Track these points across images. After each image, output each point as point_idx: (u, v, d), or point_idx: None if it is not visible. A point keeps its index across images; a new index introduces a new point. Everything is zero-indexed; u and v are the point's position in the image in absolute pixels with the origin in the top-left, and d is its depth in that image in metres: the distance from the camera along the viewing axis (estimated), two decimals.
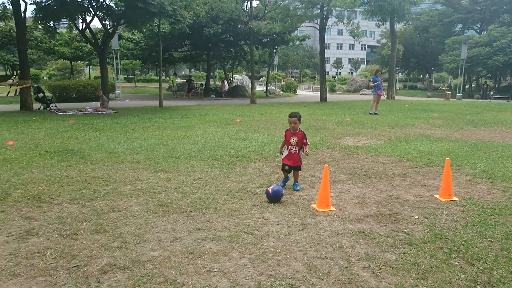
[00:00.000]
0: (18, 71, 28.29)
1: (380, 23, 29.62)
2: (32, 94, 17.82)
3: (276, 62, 41.62)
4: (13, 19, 17.87)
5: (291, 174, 5.61)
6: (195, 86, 34.67)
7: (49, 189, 5.35)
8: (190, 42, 32.22)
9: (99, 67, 47.82)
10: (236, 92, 33.65)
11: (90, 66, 51.63)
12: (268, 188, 4.95)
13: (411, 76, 68.45)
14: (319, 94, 27.30)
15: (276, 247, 3.63)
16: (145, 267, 3.23)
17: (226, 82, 35.41)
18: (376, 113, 16.08)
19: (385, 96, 23.71)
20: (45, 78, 46.37)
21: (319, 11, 24.80)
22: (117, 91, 27.21)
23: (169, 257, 3.41)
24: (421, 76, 66.16)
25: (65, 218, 4.29)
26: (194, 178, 6.01)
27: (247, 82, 39.62)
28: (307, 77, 69.30)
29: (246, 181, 5.88)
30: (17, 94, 23.59)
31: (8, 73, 43.46)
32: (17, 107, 17.43)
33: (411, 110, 18.47)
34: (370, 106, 16.81)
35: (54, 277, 3.07)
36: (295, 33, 34.07)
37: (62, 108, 17.51)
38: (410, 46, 50.41)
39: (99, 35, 24.00)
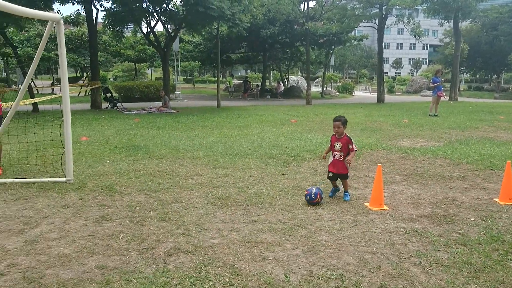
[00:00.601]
0: (89, 73, 30.36)
1: (444, 21, 28.39)
2: (101, 94, 19.16)
3: (332, 62, 41.25)
4: (86, 24, 19.30)
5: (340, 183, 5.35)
6: (251, 87, 35.24)
7: (119, 180, 5.87)
8: (247, 43, 32.84)
9: (160, 69, 49.82)
10: (291, 93, 33.79)
11: (152, 68, 54.17)
12: (306, 191, 4.97)
13: (477, 76, 64.70)
14: (376, 95, 26.73)
15: (328, 241, 3.79)
16: (206, 252, 3.53)
17: (281, 83, 35.67)
18: (436, 115, 15.54)
19: (446, 97, 22.72)
20: (111, 79, 49.27)
21: (377, 10, 24.32)
22: (177, 92, 28.41)
23: (228, 245, 3.68)
24: (488, 77, 62.33)
25: (134, 207, 4.73)
26: (250, 174, 6.29)
27: (303, 83, 39.63)
28: (364, 78, 67.79)
29: (300, 179, 6.06)
30: (87, 94, 25.40)
31: (79, 74, 46.75)
32: (87, 106, 18.83)
33: (475, 112, 17.61)
34: (430, 107, 16.26)
35: (127, 257, 3.45)
36: (353, 33, 33.57)
37: (128, 108, 18.66)
38: (477, 45, 47.67)
39: (161, 38, 25.21)
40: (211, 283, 3.00)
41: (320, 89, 37.46)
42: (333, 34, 28.02)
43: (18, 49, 25.32)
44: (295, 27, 27.92)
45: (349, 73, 74.47)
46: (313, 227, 4.14)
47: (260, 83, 37.70)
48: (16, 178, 5.88)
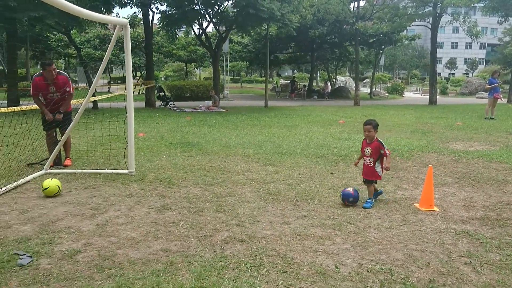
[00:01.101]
0: (143, 72, 31.64)
1: (503, 19, 26.98)
2: (155, 93, 20.04)
3: (382, 62, 40.34)
4: (143, 26, 20.26)
5: (383, 187, 5.30)
6: (298, 87, 35.28)
7: (176, 174, 6.25)
8: (295, 44, 32.94)
9: (209, 69, 50.77)
10: (339, 93, 33.48)
11: (201, 68, 55.49)
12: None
13: None
14: (428, 96, 25.91)
15: (377, 237, 3.90)
16: (259, 242, 3.76)
17: (329, 84, 35.41)
18: (492, 118, 14.90)
19: (503, 99, 21.61)
20: (162, 78, 51.06)
21: (431, 9, 23.58)
22: (225, 91, 29.04)
23: (280, 237, 3.90)
24: None
25: (191, 198, 5.06)
26: (300, 172, 6.47)
27: (351, 83, 39.15)
28: (415, 78, 65.63)
29: (349, 178, 6.16)
30: (141, 93, 26.56)
31: (132, 74, 48.60)
32: (142, 104, 19.76)
33: None
34: (486, 110, 15.61)
35: (187, 242, 3.75)
36: (404, 32, 32.69)
37: (179, 106, 19.39)
38: None
39: (212, 39, 25.89)
40: (265, 269, 3.22)
41: (369, 90, 36.81)
42: (383, 33, 27.47)
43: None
44: (344, 27, 27.66)
45: (400, 74, 72.36)
46: (362, 224, 4.25)
47: (307, 83, 37.64)
48: (84, 169, 6.43)
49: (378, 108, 20.71)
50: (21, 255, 3.39)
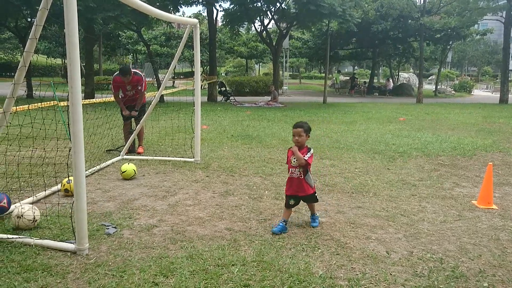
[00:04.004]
0: (206, 68, 32.72)
1: None
2: (217, 88, 20.81)
3: (449, 59, 38.54)
4: (207, 24, 21.09)
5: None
6: (358, 83, 34.69)
7: (237, 164, 6.67)
8: (356, 39, 32.40)
9: (267, 64, 51.14)
10: (401, 90, 32.47)
11: (260, 64, 56.15)
12: None
13: None
14: (499, 95, 24.45)
15: (430, 230, 4.02)
16: (315, 227, 4.04)
17: (391, 80, 34.47)
18: None
19: None
20: (223, 74, 52.40)
21: (505, 1, 22.20)
22: (284, 87, 29.34)
23: (334, 224, 4.14)
24: None
25: (251, 186, 5.44)
26: (356, 167, 6.63)
27: (414, 80, 37.73)
28: (486, 75, 61.67)
29: (406, 174, 6.22)
30: (203, 87, 27.59)
31: (193, 69, 50.31)
32: (204, 98, 20.62)
33: None
34: None
35: (249, 224, 4.12)
36: (475, 27, 30.98)
37: (239, 101, 20.00)
38: None
39: (273, 36, 26.25)
40: (319, 250, 3.50)
41: (434, 87, 35.32)
42: (451, 28, 26.25)
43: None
44: (409, 22, 26.80)
45: (469, 71, 68.34)
46: (416, 217, 4.38)
47: (367, 80, 36.89)
48: (155, 156, 7.05)
49: (442, 106, 19.96)
50: (107, 226, 3.94)
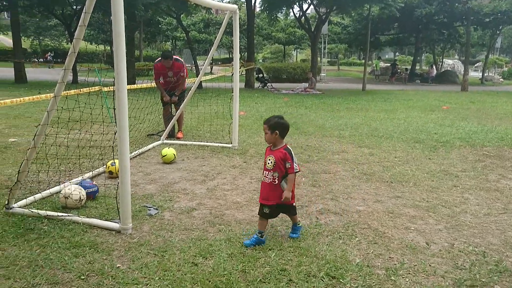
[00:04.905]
0: (243, 54, 32.77)
1: None
2: (254, 74, 20.82)
3: (498, 44, 36.43)
4: (245, 9, 21.03)
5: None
6: (400, 70, 33.63)
7: None
8: (398, 24, 31.29)
9: (305, 51, 50.44)
10: (444, 77, 31.21)
11: (298, 50, 55.51)
12: None
13: None
14: None
15: (472, 222, 3.90)
16: (352, 216, 4.02)
17: (434, 67, 33.19)
18: None
19: None
20: (260, 60, 52.27)
21: None
22: (322, 74, 28.91)
23: (372, 213, 4.10)
24: None
25: None
26: (395, 156, 6.49)
27: (459, 67, 36.13)
28: None
29: (448, 164, 6.03)
30: (241, 74, 27.66)
31: (231, 55, 50.39)
32: (242, 85, 20.70)
33: None
34: None
35: None
36: None
37: (277, 87, 19.93)
38: None
39: (312, 21, 25.85)
40: (357, 239, 3.48)
41: (480, 74, 33.69)
42: (501, 12, 24.78)
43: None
44: (456, 5, 25.53)
45: None
46: (458, 209, 4.25)
47: (409, 67, 35.68)
48: (194, 141, 7.19)
49: (489, 95, 19.07)
50: (149, 207, 4.09)
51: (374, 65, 35.62)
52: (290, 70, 26.95)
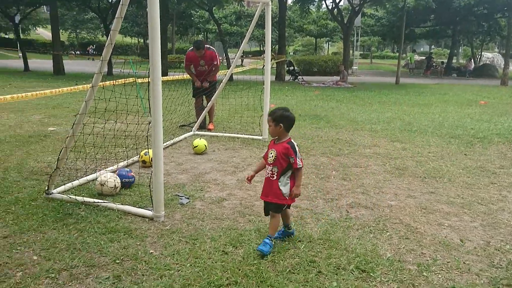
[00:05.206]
0: (274, 47, 32.70)
1: None
2: (285, 67, 20.74)
3: None
4: (277, 1, 20.90)
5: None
6: (435, 63, 32.63)
7: (305, 143, 6.67)
8: (434, 16, 30.33)
9: (337, 44, 49.69)
10: (483, 71, 30.06)
11: (329, 43, 54.75)
12: None
13: None
14: None
15: (510, 221, 3.76)
16: (383, 210, 3.96)
17: (472, 61, 31.99)
18: None
19: None
20: (291, 53, 51.92)
21: None
22: (354, 67, 28.46)
23: (404, 208, 4.03)
24: None
25: (319, 166, 5.43)
26: (430, 151, 6.33)
27: (499, 61, 34.67)
28: None
29: (485, 160, 5.84)
30: (272, 66, 27.64)
31: (262, 48, 50.26)
32: (272, 77, 20.65)
33: None
34: None
35: (315, 202, 4.14)
36: None
37: (307, 80, 19.78)
38: None
39: (344, 13, 25.43)
40: (388, 233, 3.44)
41: None
42: None
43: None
44: None
45: None
46: (495, 207, 4.12)
47: (445, 60, 34.55)
48: (224, 133, 7.26)
49: None
50: (180, 196, 4.18)
51: (409, 58, 34.74)
52: (321, 63, 26.68)
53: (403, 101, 12.54)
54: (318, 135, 7.32)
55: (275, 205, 3.08)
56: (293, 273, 2.78)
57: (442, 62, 32.93)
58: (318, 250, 3.11)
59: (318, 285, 2.64)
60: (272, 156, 3.08)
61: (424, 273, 2.82)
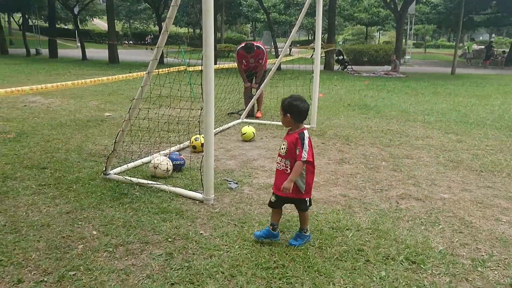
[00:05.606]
0: (324, 36, 32.14)
1: None
2: (334, 56, 20.37)
3: None
4: None
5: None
6: (495, 53, 30.71)
7: (354, 133, 6.56)
8: (495, 2, 28.44)
9: (388, 32, 47.97)
10: None
11: (381, 32, 53.01)
12: None
13: None
14: None
15: None
16: (436, 203, 3.83)
17: None
18: None
19: None
20: (340, 42, 50.84)
21: None
22: (406, 56, 27.44)
23: (458, 201, 3.88)
24: None
25: (368, 156, 5.32)
26: (487, 144, 6.02)
27: None
28: None
29: None
30: (321, 56, 27.26)
31: (310, 37, 49.69)
32: (321, 67, 20.36)
33: None
34: None
35: (364, 192, 4.08)
36: None
37: (357, 70, 19.32)
38: None
39: (398, 0, 24.45)
40: (440, 226, 3.33)
41: None
42: None
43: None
44: None
45: None
46: None
47: (507, 50, 32.40)
48: (272, 121, 7.29)
49: None
50: (229, 181, 4.27)
51: (466, 47, 32.94)
52: (372, 52, 25.93)
53: (459, 92, 11.96)
54: (367, 125, 7.17)
55: (297, 200, 2.90)
56: (341, 260, 2.78)
57: (504, 52, 30.94)
58: (367, 239, 3.07)
59: (366, 274, 2.62)
60: (283, 148, 2.88)
61: (479, 268, 2.71)
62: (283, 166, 2.88)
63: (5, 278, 2.51)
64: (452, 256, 2.87)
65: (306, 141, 2.77)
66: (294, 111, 2.81)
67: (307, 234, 3.00)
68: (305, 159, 2.74)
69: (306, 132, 2.84)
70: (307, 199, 2.93)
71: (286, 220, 3.35)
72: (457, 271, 2.68)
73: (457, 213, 3.61)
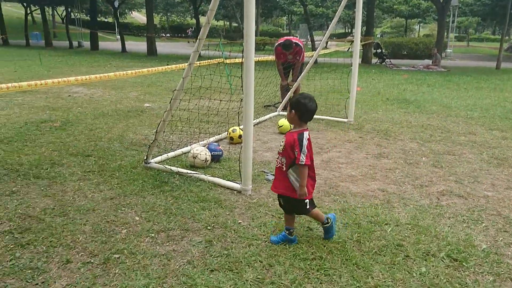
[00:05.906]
0: (362, 28, 31.54)
1: None
2: (372, 49, 19.95)
3: None
4: None
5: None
6: None
7: (392, 128, 6.43)
8: None
9: (430, 25, 46.44)
10: None
11: (421, 24, 51.34)
12: None
13: None
14: None
15: None
16: (479, 200, 3.72)
17: None
18: None
19: None
20: (378, 35, 49.64)
21: None
22: (448, 50, 26.49)
23: (503, 199, 3.75)
24: None
25: (407, 151, 5.22)
26: None
27: None
28: None
29: None
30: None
31: (347, 30, 48.84)
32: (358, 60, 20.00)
33: None
34: None
35: (403, 187, 4.01)
36: None
37: (396, 64, 18.85)
38: None
39: None
40: (483, 224, 3.23)
41: None
42: None
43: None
44: None
45: None
46: None
47: None
48: None
49: None
50: (266, 173, 4.30)
51: None
52: (411, 45, 25.20)
53: (505, 87, 11.44)
54: (407, 120, 7.01)
55: (291, 200, 2.80)
56: (379, 254, 2.76)
57: None
58: (406, 234, 3.03)
59: (405, 269, 2.60)
60: (281, 145, 2.82)
61: None
62: (279, 163, 2.85)
63: (55, 258, 2.65)
64: (496, 255, 2.78)
65: (305, 143, 2.70)
66: (301, 109, 2.74)
67: (292, 237, 2.87)
68: (303, 163, 2.67)
69: (306, 133, 2.76)
70: (307, 201, 2.83)
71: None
72: (502, 271, 2.61)
73: (501, 211, 3.49)
